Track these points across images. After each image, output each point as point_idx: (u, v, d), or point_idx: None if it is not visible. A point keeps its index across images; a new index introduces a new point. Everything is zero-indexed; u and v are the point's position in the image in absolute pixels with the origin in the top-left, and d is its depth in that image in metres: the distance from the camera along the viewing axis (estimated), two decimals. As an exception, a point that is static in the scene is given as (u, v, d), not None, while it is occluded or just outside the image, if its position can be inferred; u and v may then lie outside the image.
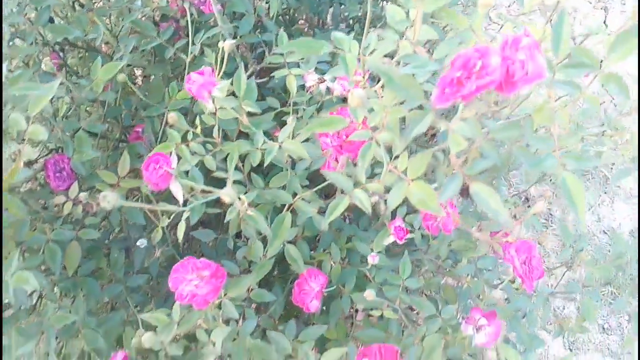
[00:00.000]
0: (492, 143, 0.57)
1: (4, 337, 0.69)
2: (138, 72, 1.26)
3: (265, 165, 0.73)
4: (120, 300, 0.91)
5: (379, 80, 0.73)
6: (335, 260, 0.89)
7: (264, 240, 0.86)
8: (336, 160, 0.73)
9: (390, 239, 0.82)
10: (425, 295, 0.97)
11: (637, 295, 0.94)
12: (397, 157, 0.61)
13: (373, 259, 0.80)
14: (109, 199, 0.59)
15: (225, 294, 0.73)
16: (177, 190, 0.61)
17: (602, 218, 2.09)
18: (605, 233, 2.04)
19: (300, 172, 0.82)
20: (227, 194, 0.59)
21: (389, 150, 0.63)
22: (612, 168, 2.21)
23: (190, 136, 0.76)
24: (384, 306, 0.82)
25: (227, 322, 0.77)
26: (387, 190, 0.61)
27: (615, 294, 1.88)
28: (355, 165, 0.71)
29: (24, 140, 0.70)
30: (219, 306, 0.76)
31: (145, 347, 0.82)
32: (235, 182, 0.79)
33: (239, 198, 0.67)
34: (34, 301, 0.91)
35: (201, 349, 0.74)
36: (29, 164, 0.87)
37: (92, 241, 0.88)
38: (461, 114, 0.50)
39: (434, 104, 0.43)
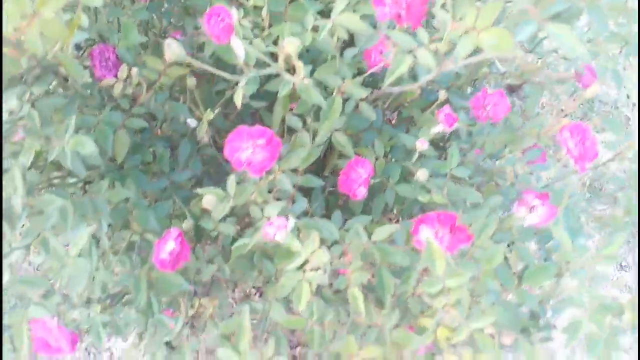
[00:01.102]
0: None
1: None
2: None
3: (319, 38, 0.72)
4: (164, 197, 0.92)
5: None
6: (379, 155, 0.88)
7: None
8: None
9: (439, 128, 0.81)
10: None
11: (637, 236, 0.93)
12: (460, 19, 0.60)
13: (422, 144, 0.80)
14: (173, 48, 0.58)
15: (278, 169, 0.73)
16: (238, 45, 0.60)
17: (623, 159, 2.08)
18: (626, 173, 2.03)
19: (348, 60, 0.81)
20: (290, 41, 0.58)
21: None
22: (632, 108, 2.19)
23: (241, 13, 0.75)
24: (432, 191, 0.82)
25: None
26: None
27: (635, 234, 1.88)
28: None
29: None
30: (270, 187, 0.76)
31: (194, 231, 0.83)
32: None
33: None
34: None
35: (255, 226, 0.74)
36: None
37: (138, 135, 0.88)
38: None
39: None
